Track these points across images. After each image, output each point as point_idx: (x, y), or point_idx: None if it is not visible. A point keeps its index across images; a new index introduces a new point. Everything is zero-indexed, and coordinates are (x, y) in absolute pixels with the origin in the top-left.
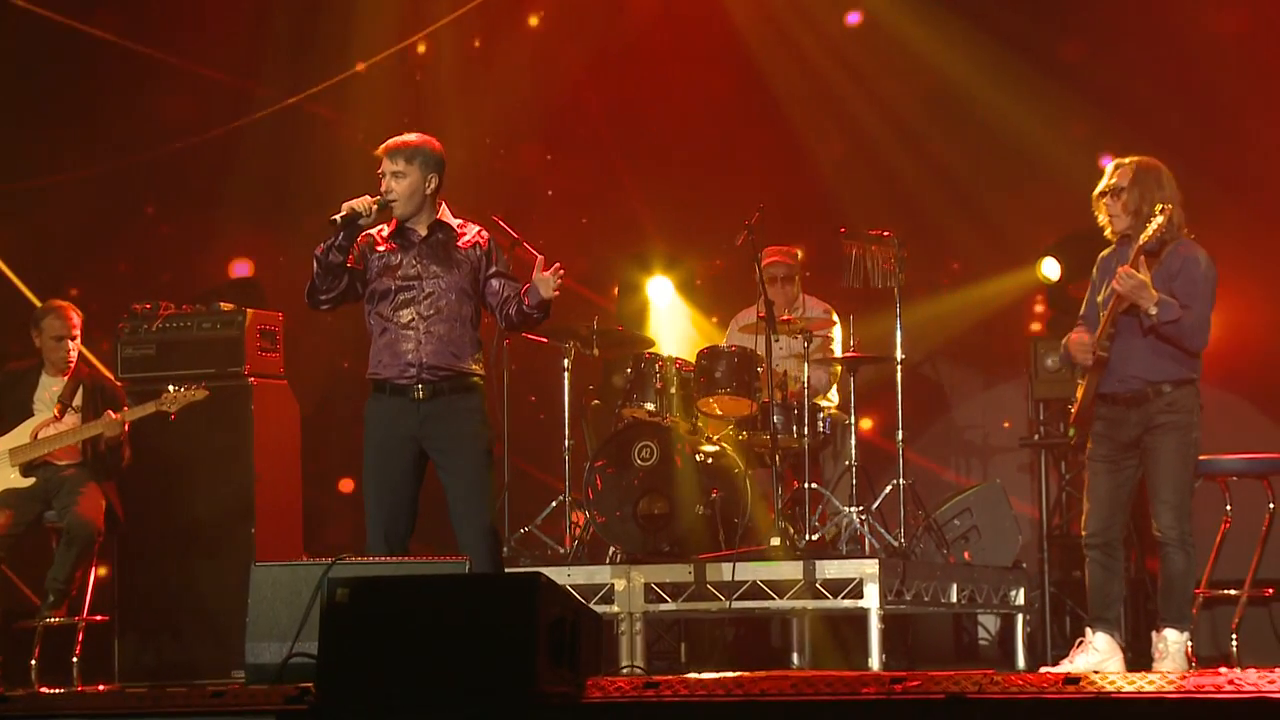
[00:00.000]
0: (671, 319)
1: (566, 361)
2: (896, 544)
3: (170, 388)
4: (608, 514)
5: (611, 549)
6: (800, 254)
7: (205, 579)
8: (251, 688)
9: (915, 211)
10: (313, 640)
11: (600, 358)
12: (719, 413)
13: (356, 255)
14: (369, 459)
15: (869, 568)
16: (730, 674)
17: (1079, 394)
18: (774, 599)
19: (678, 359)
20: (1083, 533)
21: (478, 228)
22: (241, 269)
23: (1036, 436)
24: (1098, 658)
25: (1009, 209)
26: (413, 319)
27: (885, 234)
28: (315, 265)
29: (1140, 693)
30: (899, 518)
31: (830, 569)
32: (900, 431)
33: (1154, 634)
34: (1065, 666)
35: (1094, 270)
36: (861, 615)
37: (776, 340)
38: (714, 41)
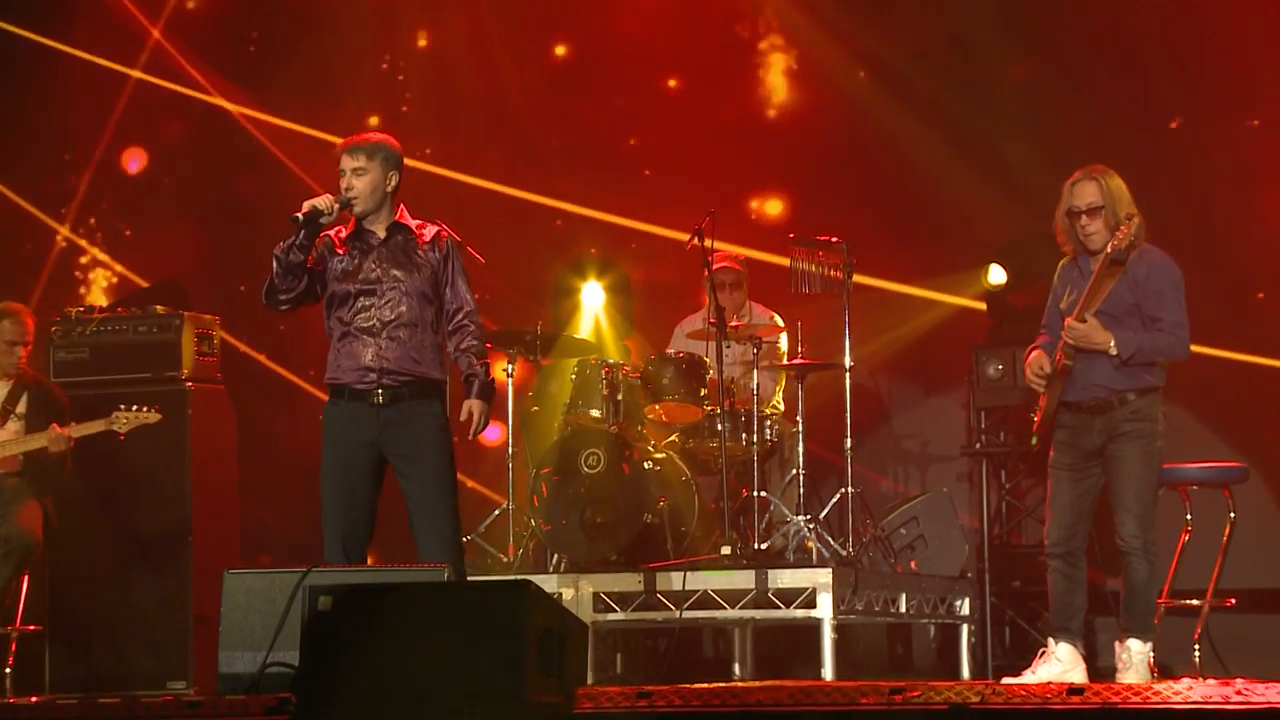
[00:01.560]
0: (603, 325)
1: (510, 368)
2: (845, 553)
3: (121, 406)
4: (554, 522)
5: (555, 557)
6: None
7: (140, 588)
8: (230, 698)
9: (853, 217)
10: (288, 649)
11: (546, 365)
12: (666, 420)
13: (316, 256)
14: (327, 465)
15: (822, 577)
16: (723, 684)
17: (1042, 402)
18: (725, 609)
19: (624, 365)
20: (1045, 542)
21: (436, 228)
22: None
23: (978, 445)
24: (1060, 668)
25: (951, 214)
26: (373, 323)
27: (834, 240)
28: (275, 265)
29: (1146, 703)
30: (845, 527)
31: (783, 578)
32: (848, 440)
33: (1117, 644)
34: (1028, 678)
35: (1055, 278)
36: (809, 625)
37: (728, 346)
38: (655, 40)
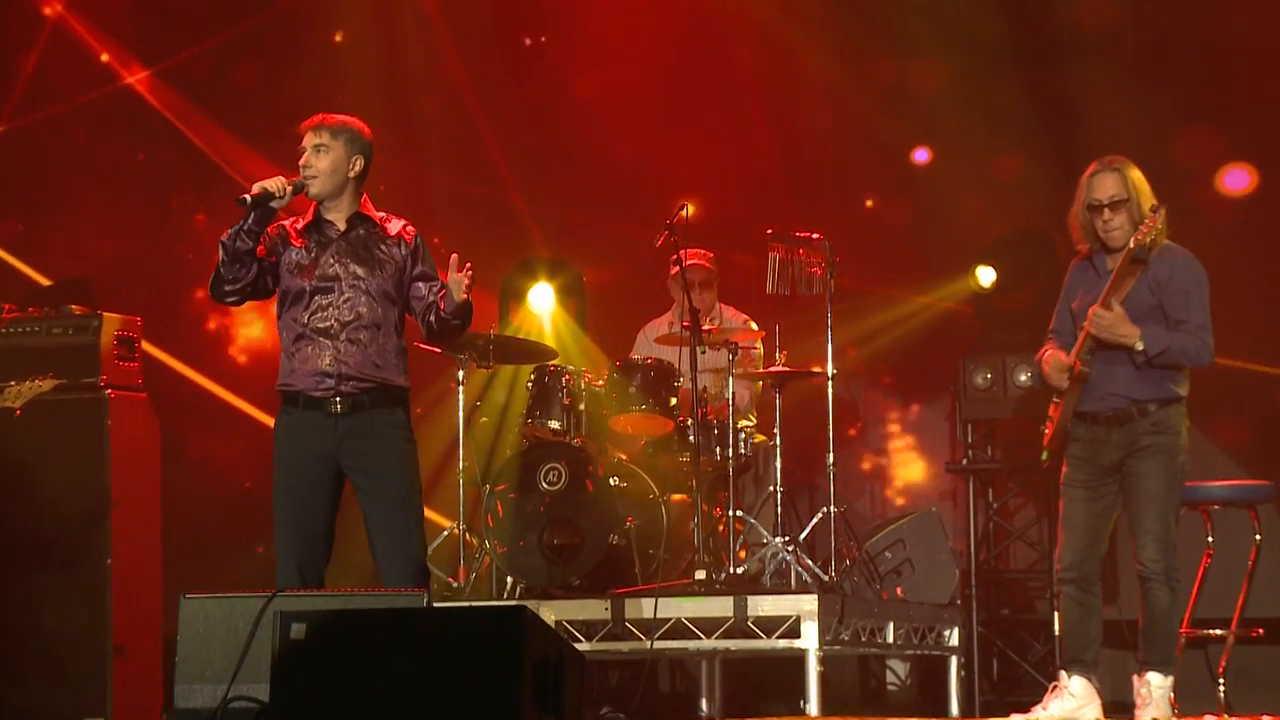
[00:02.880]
0: (554, 329)
1: (461, 374)
2: (827, 579)
3: (12, 382)
4: (509, 544)
5: (511, 582)
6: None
7: (52, 615)
8: None
9: (829, 214)
10: (253, 681)
11: (491, 371)
12: (632, 432)
13: (268, 247)
14: (280, 480)
15: (806, 604)
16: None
17: (1054, 412)
18: (701, 638)
19: (585, 372)
20: (1056, 566)
21: (403, 221)
22: None
23: (964, 461)
24: (1074, 704)
25: (936, 211)
26: (331, 325)
27: (815, 236)
28: (221, 252)
29: None
30: (827, 549)
31: (764, 606)
32: (830, 455)
33: (1135, 678)
34: (1039, 715)
35: (1066, 278)
36: (788, 657)
37: (703, 352)
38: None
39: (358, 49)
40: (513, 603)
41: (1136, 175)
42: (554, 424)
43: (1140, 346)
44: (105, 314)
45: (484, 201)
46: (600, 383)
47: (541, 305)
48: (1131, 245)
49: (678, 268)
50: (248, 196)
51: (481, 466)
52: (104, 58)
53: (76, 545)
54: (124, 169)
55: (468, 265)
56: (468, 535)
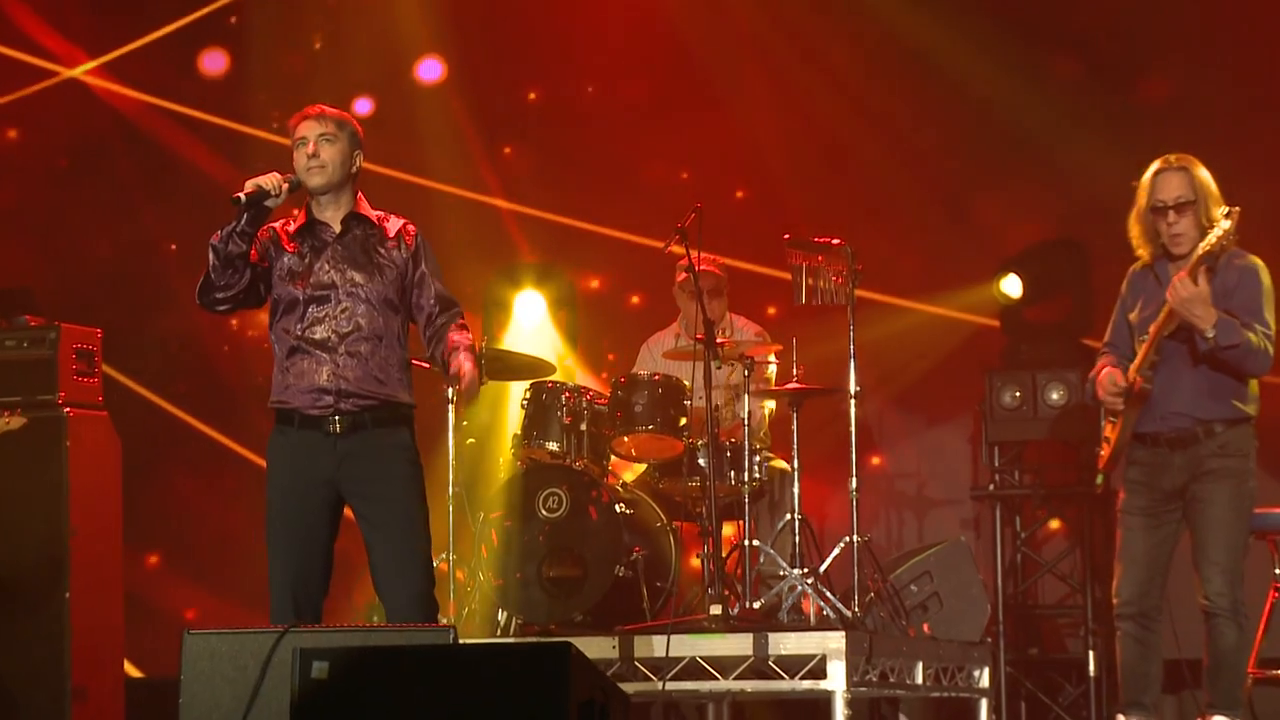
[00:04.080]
0: (541, 342)
1: (451, 391)
2: (850, 614)
3: None
4: (505, 576)
5: (506, 617)
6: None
7: (5, 656)
8: None
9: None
10: None
11: (485, 386)
12: (636, 454)
13: (260, 250)
14: (273, 506)
15: (833, 642)
16: None
17: (1110, 433)
18: (717, 678)
19: (587, 389)
20: (1114, 600)
21: (402, 220)
22: None
23: (991, 486)
24: None
25: (960, 216)
26: (328, 336)
27: (835, 242)
28: (211, 256)
29: None
30: (845, 581)
31: (786, 643)
32: (854, 480)
33: None
34: None
35: (1123, 286)
36: (809, 700)
37: (718, 368)
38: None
39: (331, 41)
40: (557, 639)
41: (1204, 175)
42: (553, 445)
43: (1210, 334)
44: (63, 325)
45: (463, 202)
46: (603, 401)
47: (528, 316)
48: (1201, 251)
49: (685, 275)
50: (241, 195)
51: (469, 492)
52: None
53: (32, 578)
54: (65, 168)
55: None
56: (457, 568)
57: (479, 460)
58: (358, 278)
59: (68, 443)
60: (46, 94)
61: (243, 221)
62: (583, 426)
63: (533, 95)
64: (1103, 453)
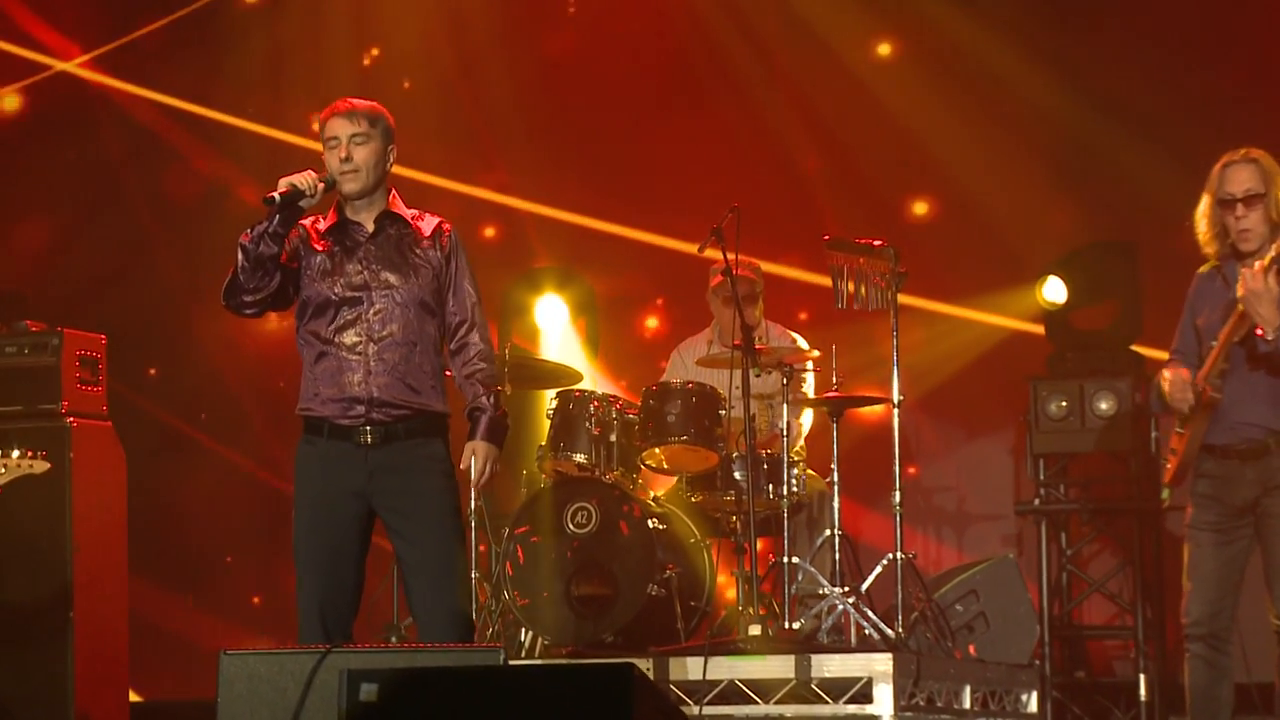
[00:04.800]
0: (564, 349)
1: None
2: (894, 635)
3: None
4: (531, 595)
5: (530, 637)
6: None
7: (5, 681)
8: None
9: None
10: None
11: (509, 395)
12: (668, 467)
13: (290, 250)
14: (301, 520)
15: (879, 664)
16: None
17: (1178, 444)
18: (757, 702)
19: (617, 398)
20: (1182, 620)
21: (437, 219)
22: None
23: (1036, 501)
24: None
25: (1002, 216)
26: (360, 341)
27: (877, 243)
28: (240, 256)
29: None
30: (886, 601)
31: (830, 666)
32: (897, 494)
33: None
34: None
35: (1190, 289)
36: None
37: (756, 375)
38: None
39: (332, 32)
40: (619, 660)
41: (1275, 169)
42: (581, 457)
43: (1272, 336)
44: (66, 331)
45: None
46: (633, 410)
47: (550, 321)
48: (1274, 253)
49: (719, 278)
50: (275, 195)
51: (489, 506)
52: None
53: (33, 598)
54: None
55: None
56: (478, 586)
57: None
58: (392, 279)
59: (71, 455)
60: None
61: (274, 222)
62: (612, 437)
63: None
64: (1169, 466)
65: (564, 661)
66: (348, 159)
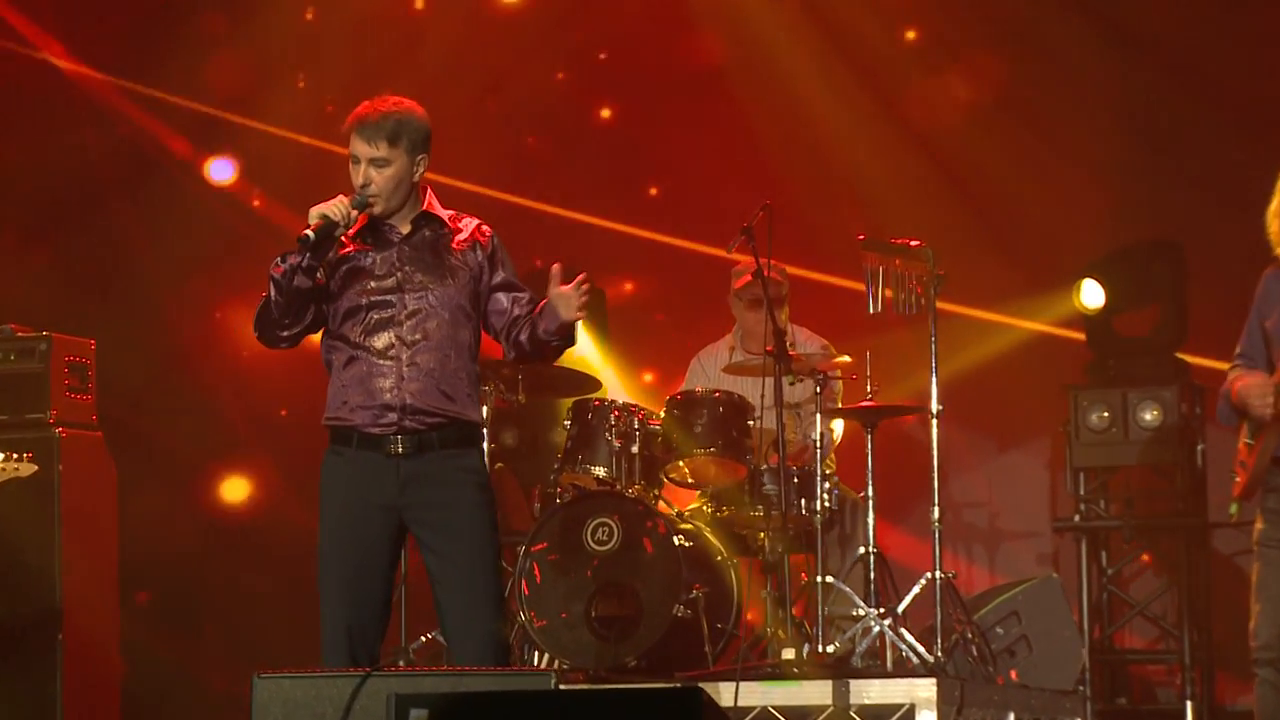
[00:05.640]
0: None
1: (485, 410)
2: (933, 659)
3: None
4: (549, 616)
5: (546, 660)
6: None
7: None
8: None
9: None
10: None
11: (523, 405)
12: (692, 480)
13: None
14: (328, 535)
15: (923, 690)
16: None
17: (1246, 456)
18: None
19: (639, 407)
20: (1251, 643)
21: (476, 221)
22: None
23: (1076, 518)
24: None
25: (1036, 216)
26: (392, 345)
27: (913, 244)
28: (272, 291)
29: None
30: (921, 622)
31: (870, 691)
32: (935, 509)
33: None
34: None
35: (1258, 290)
36: None
37: (791, 384)
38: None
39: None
40: (687, 684)
41: None
42: (600, 470)
43: None
44: (55, 335)
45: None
46: (656, 421)
47: None
48: None
49: (745, 280)
50: (309, 233)
51: (501, 523)
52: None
53: (20, 620)
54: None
55: (582, 277)
56: None
57: (510, 486)
58: (426, 281)
59: (60, 467)
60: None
61: (308, 257)
62: (634, 449)
63: (560, 75)
64: (1238, 479)
65: (625, 686)
66: (366, 184)
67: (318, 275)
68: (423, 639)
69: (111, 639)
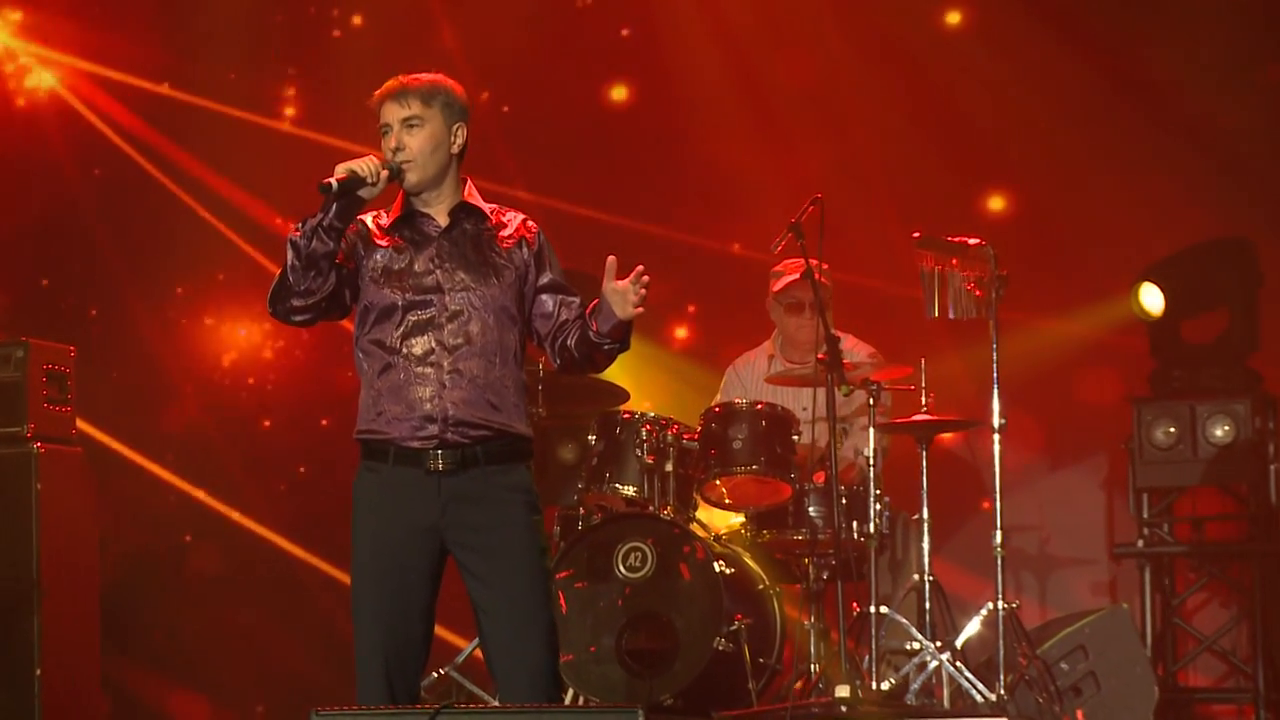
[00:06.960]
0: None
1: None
2: (995, 698)
3: None
4: (577, 649)
5: (570, 698)
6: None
7: None
8: None
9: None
10: None
11: (542, 418)
12: (730, 501)
13: (347, 247)
14: (362, 560)
15: None
16: None
17: None
18: None
19: (672, 421)
20: None
21: (522, 216)
22: None
23: (1140, 543)
24: None
25: (1095, 218)
26: (431, 350)
27: (973, 242)
28: (290, 254)
29: None
30: (979, 656)
31: None
32: (998, 533)
33: None
34: None
35: None
36: None
37: (845, 394)
38: None
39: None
40: None
41: None
42: (630, 490)
43: None
44: (32, 341)
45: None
46: (691, 435)
47: None
48: None
49: (788, 282)
50: (332, 181)
51: None
52: None
53: None
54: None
55: (640, 270)
56: None
57: None
58: (469, 280)
59: (39, 485)
60: None
61: (331, 214)
62: (667, 467)
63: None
64: None
65: None
66: (399, 148)
67: (339, 244)
68: (434, 675)
69: (92, 675)
